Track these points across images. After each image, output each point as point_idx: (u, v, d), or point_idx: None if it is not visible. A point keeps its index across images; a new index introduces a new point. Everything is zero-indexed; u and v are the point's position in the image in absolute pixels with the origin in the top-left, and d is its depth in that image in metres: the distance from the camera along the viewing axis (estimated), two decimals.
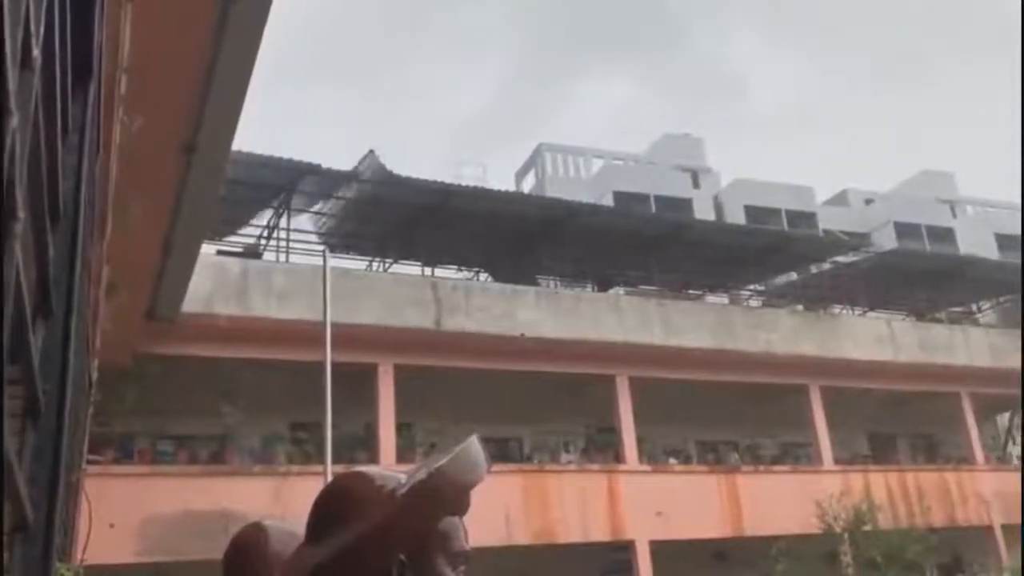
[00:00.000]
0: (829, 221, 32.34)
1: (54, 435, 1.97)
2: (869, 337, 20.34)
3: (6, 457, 1.22)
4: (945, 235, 34.31)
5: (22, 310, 1.29)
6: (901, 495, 19.74)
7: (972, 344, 21.60)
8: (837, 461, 19.82)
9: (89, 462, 10.61)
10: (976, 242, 32.83)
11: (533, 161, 34.66)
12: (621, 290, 20.77)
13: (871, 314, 22.82)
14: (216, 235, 16.50)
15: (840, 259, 22.50)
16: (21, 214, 1.13)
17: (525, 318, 16.59)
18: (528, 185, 33.80)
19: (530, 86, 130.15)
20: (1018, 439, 25.17)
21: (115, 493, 12.30)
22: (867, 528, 17.39)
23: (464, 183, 19.00)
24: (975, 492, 20.52)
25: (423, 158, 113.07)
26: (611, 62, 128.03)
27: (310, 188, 17.02)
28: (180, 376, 14.51)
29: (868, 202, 36.68)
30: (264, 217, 17.80)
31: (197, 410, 15.37)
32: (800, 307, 22.79)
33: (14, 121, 1.00)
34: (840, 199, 36.97)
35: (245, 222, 17.71)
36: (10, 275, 1.08)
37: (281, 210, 17.39)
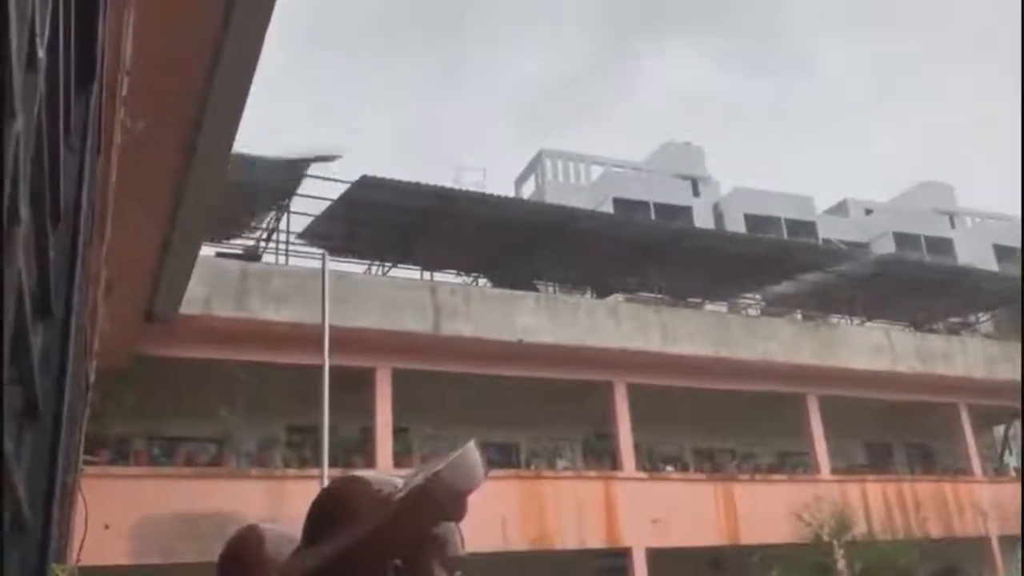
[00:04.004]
0: (828, 230, 32.39)
1: (52, 436, 1.97)
2: (867, 347, 20.35)
3: (5, 458, 1.22)
4: (943, 246, 34.38)
5: (23, 311, 1.29)
6: (898, 505, 19.73)
7: (970, 355, 21.62)
8: (834, 470, 19.81)
9: (86, 463, 10.59)
10: (974, 253, 32.89)
11: (533, 167, 34.72)
12: (620, 297, 20.77)
13: (869, 324, 22.84)
14: (215, 237, 16.49)
15: (839, 268, 22.52)
16: (23, 216, 1.13)
17: (523, 324, 16.59)
18: (528, 191, 33.85)
19: (587, 68, 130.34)
20: (1014, 450, 25.18)
21: (111, 494, 12.27)
22: (855, 536, 17.39)
23: (464, 188, 18.99)
24: (972, 503, 20.51)
25: (487, 137, 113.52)
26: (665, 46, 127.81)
27: (311, 190, 17.04)
28: (177, 378, 14.49)
29: (868, 212, 36.75)
30: (264, 219, 17.81)
31: (194, 412, 15.35)
32: (798, 316, 22.81)
33: (19, 123, 1.00)
34: (840, 209, 37.04)
35: (245, 224, 17.70)
36: (12, 277, 1.09)
37: (281, 212, 17.40)
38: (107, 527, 11.70)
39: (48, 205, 1.38)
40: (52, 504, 1.97)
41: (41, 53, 1.15)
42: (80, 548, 7.82)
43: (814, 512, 17.38)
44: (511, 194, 29.65)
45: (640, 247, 19.37)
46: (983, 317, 25.91)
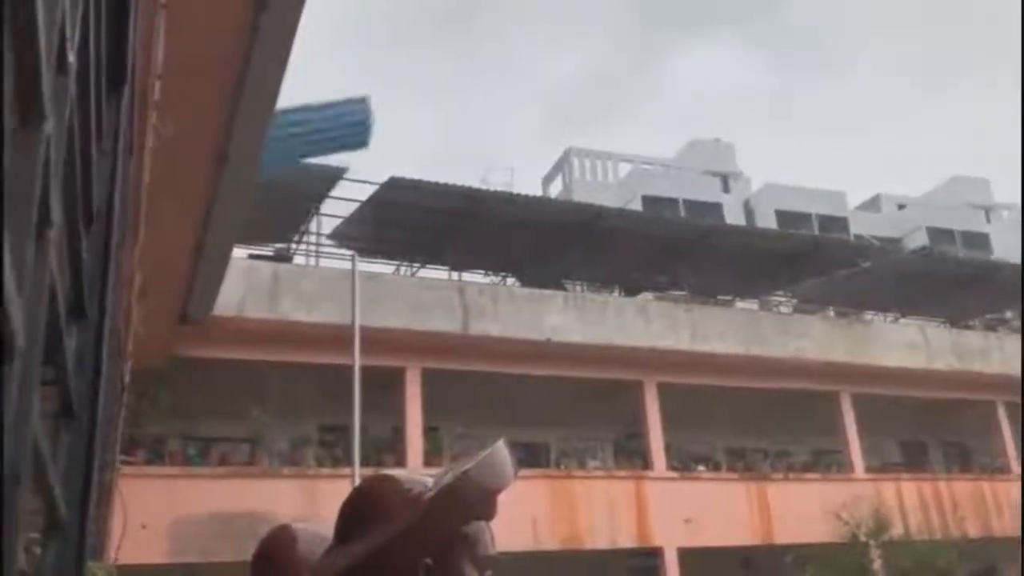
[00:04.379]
0: (861, 226, 32.00)
1: (87, 436, 2.00)
2: (901, 343, 20.07)
3: (41, 457, 1.23)
4: (979, 240, 33.84)
5: (56, 313, 1.31)
6: (935, 504, 19.43)
7: (1007, 351, 21.21)
8: (868, 469, 19.56)
9: (122, 463, 10.74)
10: (1011, 247, 32.32)
11: (560, 166, 34.67)
12: (649, 295, 20.67)
13: (903, 320, 22.51)
14: (247, 239, 16.64)
15: (872, 264, 22.22)
16: (56, 218, 1.14)
17: (552, 323, 16.56)
18: (555, 190, 33.80)
19: (622, 62, 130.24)
20: None
21: (147, 494, 12.44)
22: (891, 536, 17.15)
23: (492, 188, 19.00)
24: (1010, 502, 20.13)
25: (514, 136, 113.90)
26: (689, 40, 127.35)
27: (341, 193, 17.15)
28: (211, 379, 14.65)
29: (900, 207, 36.25)
30: (295, 221, 17.95)
31: (228, 412, 15.51)
32: (831, 313, 22.54)
33: (50, 126, 1.01)
34: (872, 204, 36.59)
35: (276, 226, 17.85)
36: (45, 279, 1.10)
37: (312, 215, 17.53)
38: (144, 526, 11.85)
39: (80, 207, 1.40)
40: (88, 503, 1.99)
41: (71, 56, 1.16)
42: (117, 547, 7.94)
43: (851, 511, 17.17)
44: (539, 193, 29.64)
45: (669, 245, 19.26)
46: (1016, 313, 25.43)
